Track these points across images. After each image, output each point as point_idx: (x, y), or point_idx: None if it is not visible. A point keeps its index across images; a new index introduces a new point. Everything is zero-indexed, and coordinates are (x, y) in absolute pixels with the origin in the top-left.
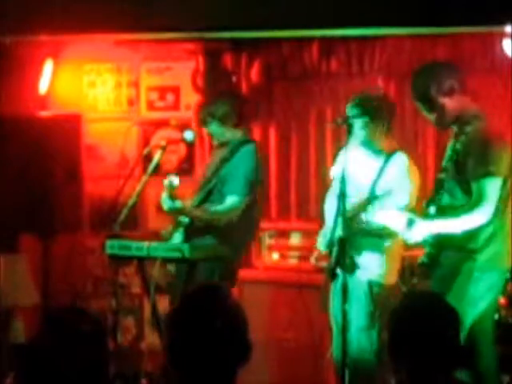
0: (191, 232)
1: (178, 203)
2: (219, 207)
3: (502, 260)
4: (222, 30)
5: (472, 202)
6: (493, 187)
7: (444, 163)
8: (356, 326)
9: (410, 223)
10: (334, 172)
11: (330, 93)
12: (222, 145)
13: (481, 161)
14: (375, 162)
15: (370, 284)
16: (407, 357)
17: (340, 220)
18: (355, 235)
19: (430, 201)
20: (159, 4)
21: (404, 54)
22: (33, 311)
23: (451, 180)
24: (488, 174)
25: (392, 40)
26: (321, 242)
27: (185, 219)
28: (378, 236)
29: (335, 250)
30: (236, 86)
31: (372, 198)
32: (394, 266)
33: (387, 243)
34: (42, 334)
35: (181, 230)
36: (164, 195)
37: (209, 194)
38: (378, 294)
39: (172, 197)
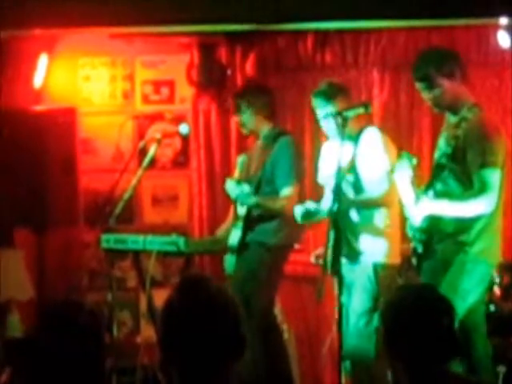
0: (250, 224)
1: (247, 187)
2: (278, 199)
3: (492, 253)
4: (216, 23)
5: (475, 190)
6: (495, 177)
7: (443, 149)
8: (362, 310)
9: (417, 199)
10: (323, 176)
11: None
12: (253, 137)
13: (484, 150)
14: (349, 146)
15: (375, 267)
16: (402, 349)
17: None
18: (347, 212)
19: (428, 186)
20: None
21: (399, 47)
22: (28, 306)
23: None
24: (491, 163)
25: (387, 32)
26: (297, 213)
27: (241, 212)
28: (368, 207)
29: (331, 244)
30: (231, 79)
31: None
32: (395, 246)
33: (384, 225)
34: (38, 328)
35: (239, 224)
36: (232, 180)
37: (257, 190)
38: (383, 275)
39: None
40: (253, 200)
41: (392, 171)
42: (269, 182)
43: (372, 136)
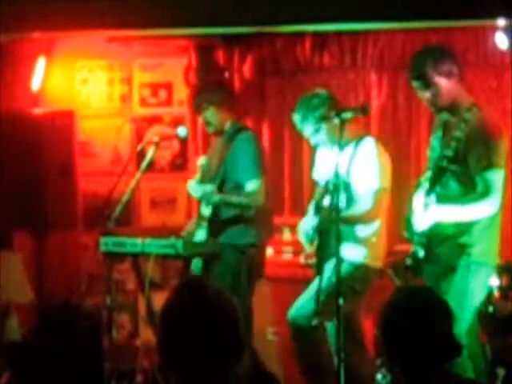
0: (215, 226)
1: (211, 186)
2: (244, 194)
3: (492, 255)
4: (214, 26)
5: (478, 193)
6: (499, 178)
7: (443, 152)
8: (324, 287)
9: (426, 206)
10: (320, 176)
11: (322, 87)
12: (218, 135)
13: (487, 152)
14: (345, 155)
15: (352, 263)
16: (400, 351)
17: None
18: (332, 225)
19: (429, 190)
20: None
21: (397, 48)
22: (27, 309)
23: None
24: (495, 164)
25: (385, 34)
26: (301, 234)
27: (205, 213)
28: (355, 224)
29: (316, 245)
30: (229, 82)
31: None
32: (377, 252)
33: (368, 233)
34: (37, 331)
35: (204, 225)
36: (193, 181)
37: (221, 187)
38: (359, 273)
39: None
40: (217, 198)
41: (384, 189)
42: (232, 179)
43: (367, 149)
